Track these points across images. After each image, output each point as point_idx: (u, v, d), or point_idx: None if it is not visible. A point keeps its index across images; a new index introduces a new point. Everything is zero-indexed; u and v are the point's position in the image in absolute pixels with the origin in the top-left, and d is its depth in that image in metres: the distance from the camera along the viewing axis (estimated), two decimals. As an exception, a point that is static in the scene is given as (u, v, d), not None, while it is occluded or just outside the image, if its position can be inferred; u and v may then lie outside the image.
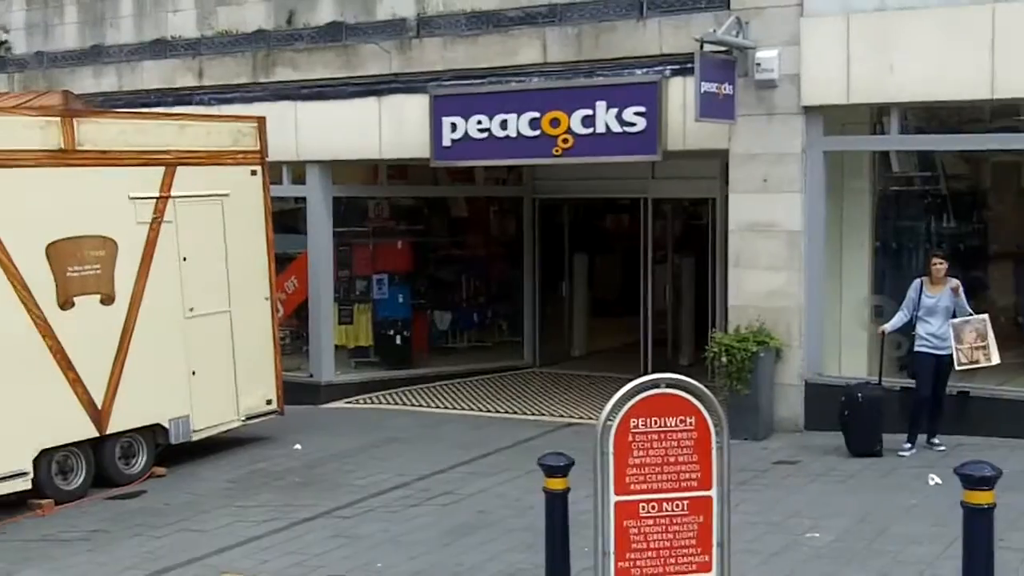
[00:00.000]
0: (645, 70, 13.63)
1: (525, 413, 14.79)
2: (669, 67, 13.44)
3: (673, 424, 6.37)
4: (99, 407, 11.58)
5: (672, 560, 6.46)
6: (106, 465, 11.76)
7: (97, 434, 11.60)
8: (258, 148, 13.59)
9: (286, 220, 15.98)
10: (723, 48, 12.70)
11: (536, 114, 14.09)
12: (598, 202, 19.45)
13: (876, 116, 13.01)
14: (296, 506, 10.79)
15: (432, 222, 18.07)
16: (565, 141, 13.98)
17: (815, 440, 12.45)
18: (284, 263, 15.73)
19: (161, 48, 17.40)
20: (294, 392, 14.65)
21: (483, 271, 18.59)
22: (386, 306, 17.02)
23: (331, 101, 15.71)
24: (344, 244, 16.61)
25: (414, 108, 15.07)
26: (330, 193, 16.22)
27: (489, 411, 15.02)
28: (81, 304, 11.44)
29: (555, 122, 13.96)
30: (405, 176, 17.45)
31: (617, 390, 6.41)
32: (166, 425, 12.29)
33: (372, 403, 15.89)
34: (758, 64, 12.75)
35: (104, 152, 11.76)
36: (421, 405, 15.63)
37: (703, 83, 12.25)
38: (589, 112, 13.79)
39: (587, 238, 19.59)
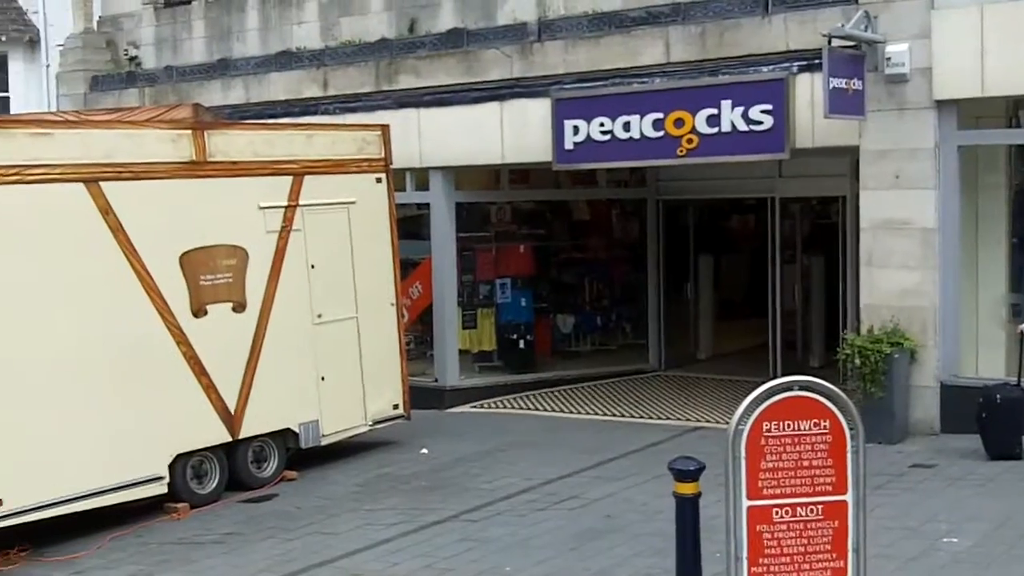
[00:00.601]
0: (771, 67, 13.43)
1: (651, 417, 14.67)
2: (796, 63, 13.22)
3: (807, 428, 6.26)
4: (232, 412, 11.79)
5: (806, 565, 6.35)
6: (239, 469, 11.96)
7: (230, 439, 11.81)
8: (382, 156, 13.72)
9: (410, 226, 16.08)
10: (851, 43, 12.46)
11: (660, 115, 13.97)
12: (723, 202, 19.26)
13: (1012, 109, 12.63)
14: (424, 510, 10.85)
15: (554, 226, 18.04)
16: (689, 141, 13.84)
17: (951, 443, 12.12)
18: (408, 269, 15.83)
19: (287, 60, 17.68)
20: (419, 397, 14.74)
21: (606, 274, 18.50)
22: (509, 310, 17.04)
23: (453, 107, 15.78)
24: (467, 249, 16.66)
25: (536, 112, 15.06)
26: (453, 199, 16.30)
27: (614, 415, 14.94)
28: (214, 312, 11.67)
29: (679, 122, 13.82)
30: (527, 180, 17.45)
31: (745, 393, 6.32)
32: (296, 430, 12.46)
33: (496, 407, 15.92)
34: (888, 58, 12.48)
35: (234, 163, 11.99)
36: (545, 409, 15.61)
37: (831, 79, 12.02)
38: (714, 111, 13.63)
39: (712, 239, 19.40)
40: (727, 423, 6.36)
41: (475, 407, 16.01)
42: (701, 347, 18.93)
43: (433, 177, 16.18)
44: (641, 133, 14.14)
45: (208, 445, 11.63)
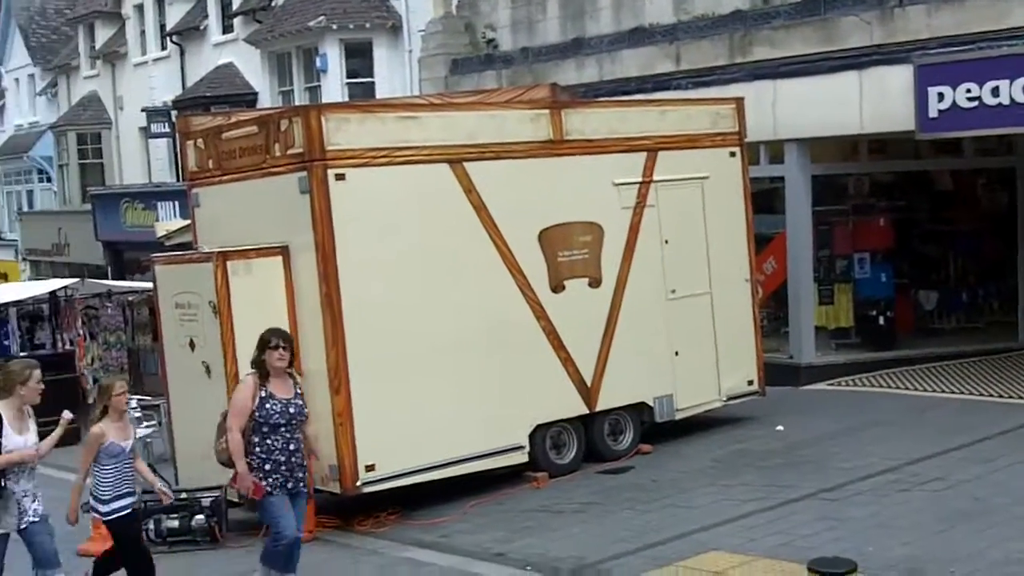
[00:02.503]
0: None
1: (1021, 397, 13.90)
2: None
3: None
4: (588, 385, 12.05)
5: None
6: (595, 441, 12.22)
7: (587, 411, 12.09)
8: (736, 129, 13.62)
9: (763, 200, 15.84)
10: None
11: (1032, 79, 13.19)
12: (1102, 170, 17.94)
13: None
14: (780, 487, 10.74)
15: (914, 197, 17.34)
16: (1065, 106, 12.99)
17: None
18: (762, 244, 15.61)
19: (639, 36, 17.77)
20: (773, 373, 14.53)
21: (971, 247, 17.64)
22: (868, 285, 16.53)
23: (809, 77, 15.38)
24: (823, 223, 16.26)
25: (896, 79, 14.49)
26: (808, 171, 15.94)
27: (981, 395, 14.23)
28: (571, 287, 11.96)
29: (1053, 86, 13.00)
30: (884, 151, 16.86)
31: None
32: (651, 403, 12.60)
33: (854, 385, 15.50)
34: None
35: (590, 141, 12.21)
36: (906, 388, 15.05)
37: None
38: (1092, 73, 12.74)
39: (1090, 209, 18.11)
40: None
41: (832, 385, 15.65)
42: (1076, 324, 17.75)
43: (788, 149, 15.88)
44: (1011, 98, 13.37)
45: (566, 416, 11.94)
